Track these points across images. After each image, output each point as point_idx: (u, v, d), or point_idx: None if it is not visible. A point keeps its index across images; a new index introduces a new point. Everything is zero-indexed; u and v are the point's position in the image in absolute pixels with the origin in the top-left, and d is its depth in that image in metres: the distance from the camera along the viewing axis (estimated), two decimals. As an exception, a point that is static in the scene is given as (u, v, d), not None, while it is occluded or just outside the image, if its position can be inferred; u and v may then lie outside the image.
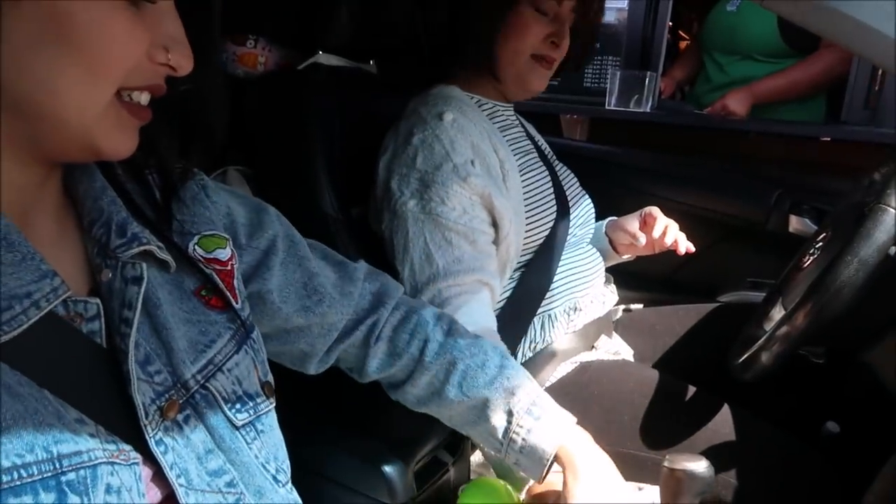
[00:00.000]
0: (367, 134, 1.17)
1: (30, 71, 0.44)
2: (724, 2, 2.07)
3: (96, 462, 0.45)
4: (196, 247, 0.60)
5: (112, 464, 0.46)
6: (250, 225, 0.69)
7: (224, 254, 0.63)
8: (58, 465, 0.43)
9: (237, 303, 0.62)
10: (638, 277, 1.48)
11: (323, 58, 1.21)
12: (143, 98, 0.51)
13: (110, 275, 0.52)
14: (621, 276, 1.34)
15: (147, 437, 0.50)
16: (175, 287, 0.58)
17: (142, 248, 0.54)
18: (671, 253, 1.22)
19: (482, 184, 1.03)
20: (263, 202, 0.73)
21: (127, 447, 0.48)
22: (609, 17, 2.14)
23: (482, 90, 1.16)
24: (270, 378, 0.64)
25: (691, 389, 1.08)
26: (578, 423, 1.04)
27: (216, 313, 0.60)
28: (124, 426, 0.49)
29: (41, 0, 0.43)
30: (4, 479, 0.40)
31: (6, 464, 0.40)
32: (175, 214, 0.61)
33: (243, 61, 1.20)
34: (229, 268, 0.63)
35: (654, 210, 1.22)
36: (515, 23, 1.08)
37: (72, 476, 0.44)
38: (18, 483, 0.41)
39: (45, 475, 0.42)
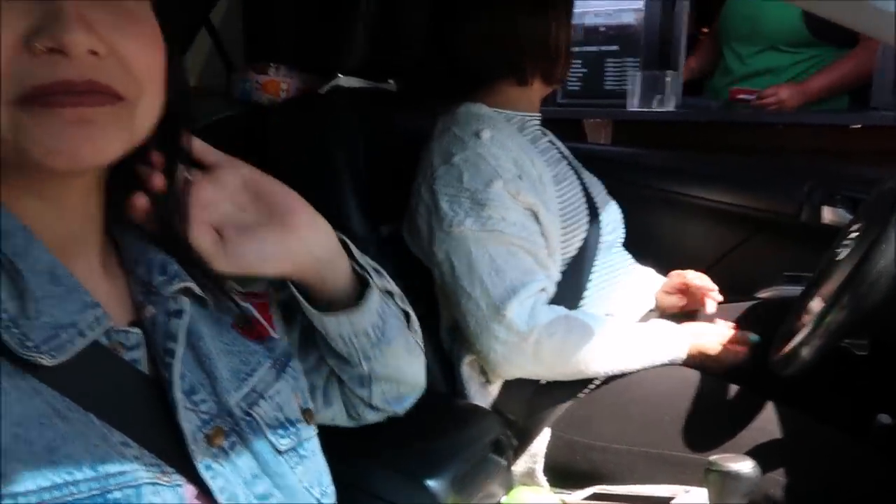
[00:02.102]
0: (392, 152, 1.19)
1: None
2: None
3: (140, 483, 0.47)
4: (232, 283, 0.62)
5: (155, 484, 0.48)
6: None
7: (260, 287, 0.65)
8: (104, 484, 0.44)
9: (274, 333, 0.63)
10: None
11: (343, 80, 1.23)
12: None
13: (153, 310, 0.54)
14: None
15: (196, 462, 0.51)
16: (214, 321, 0.60)
17: (182, 284, 0.55)
18: (704, 252, 1.21)
19: (531, 199, 1.05)
20: None
21: (170, 469, 0.50)
22: (626, 18, 2.14)
23: (507, 102, 1.16)
24: (311, 405, 0.65)
25: (733, 388, 1.06)
26: (619, 425, 1.05)
27: (255, 343, 0.61)
28: (169, 451, 0.50)
29: None
30: (56, 494, 0.42)
31: (57, 480, 0.42)
32: None
33: (267, 89, 1.23)
34: (265, 300, 0.65)
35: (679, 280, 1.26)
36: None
37: (118, 495, 0.45)
38: (69, 499, 0.42)
39: (92, 493, 0.44)
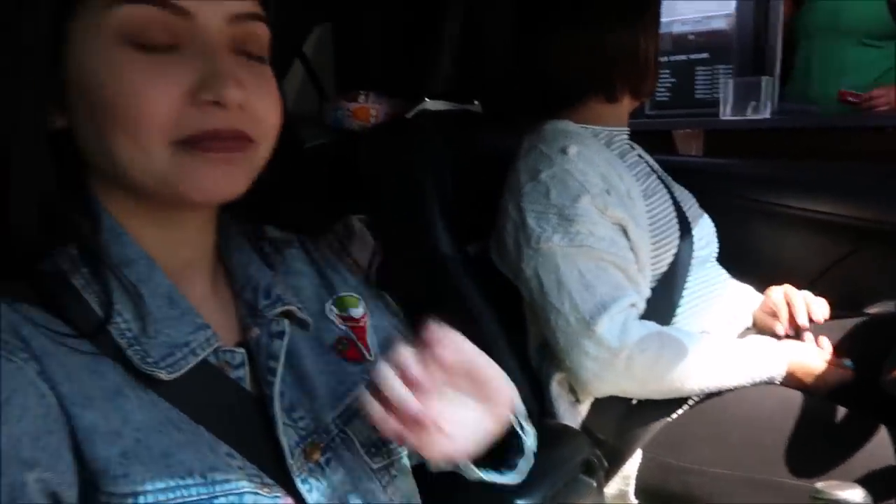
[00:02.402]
0: (477, 172, 1.20)
1: (93, 142, 0.50)
2: None
3: (243, 491, 0.50)
4: (332, 307, 0.66)
5: (256, 494, 0.51)
6: (376, 306, 0.73)
7: (357, 312, 0.68)
8: (211, 491, 0.48)
9: (370, 356, 0.66)
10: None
11: (430, 104, 1.26)
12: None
13: (258, 332, 0.58)
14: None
15: (293, 475, 0.54)
16: (314, 342, 0.63)
17: (285, 308, 0.60)
18: (806, 266, 1.16)
19: (620, 214, 1.04)
20: None
21: (270, 482, 0.53)
22: (717, 24, 2.08)
23: (595, 118, 1.16)
24: None
25: (840, 410, 1.01)
26: (716, 448, 1.01)
27: (352, 365, 0.64)
28: (270, 465, 0.54)
29: (83, 77, 0.48)
30: (170, 496, 0.46)
31: (171, 483, 0.47)
32: (312, 280, 0.66)
33: (357, 116, 1.28)
34: (362, 324, 0.68)
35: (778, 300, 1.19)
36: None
37: (223, 501, 0.49)
38: (180, 501, 0.47)
39: (201, 497, 0.48)
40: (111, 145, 0.49)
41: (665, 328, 1.06)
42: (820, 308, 1.15)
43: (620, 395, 1.07)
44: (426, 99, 1.26)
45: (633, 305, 1.04)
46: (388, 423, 0.50)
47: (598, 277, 1.01)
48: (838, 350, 1.11)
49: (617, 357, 0.99)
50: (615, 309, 1.00)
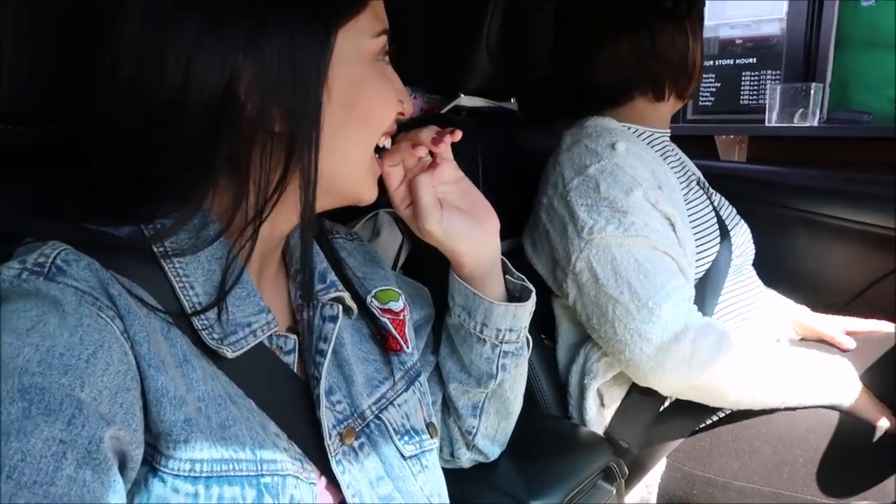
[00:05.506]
0: (510, 169, 1.19)
1: (337, 147, 0.54)
2: None
3: (286, 473, 0.52)
4: (373, 299, 0.69)
5: (297, 478, 0.53)
6: (410, 296, 0.77)
7: (397, 305, 0.71)
8: (260, 467, 0.50)
9: (407, 348, 0.69)
10: (813, 304, 1.35)
11: (465, 100, 1.25)
12: (388, 143, 0.62)
13: (310, 314, 0.61)
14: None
15: (329, 456, 0.56)
16: (355, 331, 0.66)
17: (337, 293, 0.63)
18: (849, 280, 1.11)
19: (670, 210, 1.02)
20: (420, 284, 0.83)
21: (309, 467, 0.55)
22: (767, 29, 2.03)
23: (637, 118, 1.14)
24: (434, 420, 0.70)
25: (879, 430, 0.96)
26: (745, 462, 0.98)
27: (389, 355, 0.68)
28: (309, 446, 0.56)
29: (342, 90, 0.53)
30: (223, 466, 0.48)
31: (225, 455, 0.48)
32: (356, 272, 0.70)
33: (392, 109, 1.28)
34: (401, 318, 0.70)
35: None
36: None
37: (268, 480, 0.50)
38: (232, 474, 0.48)
39: (249, 473, 0.49)
40: (352, 146, 0.56)
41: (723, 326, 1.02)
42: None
43: (678, 389, 1.00)
44: (462, 95, 1.25)
45: (691, 298, 1.01)
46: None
47: (656, 266, 0.98)
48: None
49: (682, 342, 0.94)
50: (678, 296, 0.96)
